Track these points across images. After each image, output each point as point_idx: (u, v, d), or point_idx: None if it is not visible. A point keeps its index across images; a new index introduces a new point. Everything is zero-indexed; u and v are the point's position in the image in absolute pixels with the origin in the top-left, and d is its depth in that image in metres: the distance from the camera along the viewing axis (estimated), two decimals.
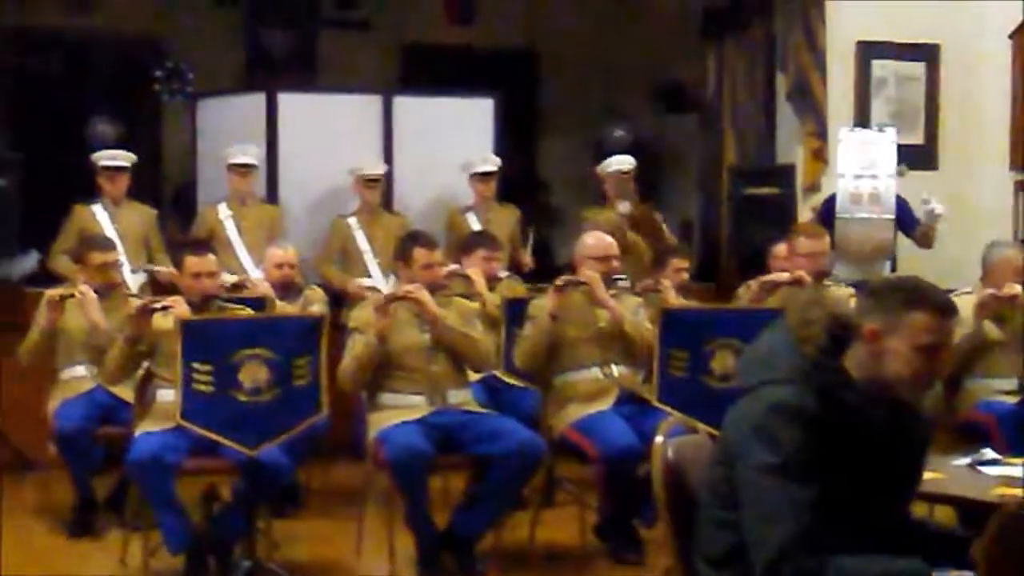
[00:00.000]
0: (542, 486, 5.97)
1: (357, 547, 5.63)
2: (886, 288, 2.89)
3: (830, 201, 8.04)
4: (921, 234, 7.84)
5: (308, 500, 6.48)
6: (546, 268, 8.34)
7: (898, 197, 7.90)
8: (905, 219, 7.91)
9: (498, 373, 6.28)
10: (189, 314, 5.18)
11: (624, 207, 8.30)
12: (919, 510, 3.33)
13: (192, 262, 5.43)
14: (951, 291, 5.91)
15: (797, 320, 2.88)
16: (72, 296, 6.05)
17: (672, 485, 3.01)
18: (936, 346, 2.81)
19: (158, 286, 7.34)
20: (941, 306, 2.82)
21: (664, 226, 8.35)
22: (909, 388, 2.84)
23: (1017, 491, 3.23)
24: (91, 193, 7.74)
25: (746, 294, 6.56)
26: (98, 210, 7.67)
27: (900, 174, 7.92)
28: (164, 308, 5.26)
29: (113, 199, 7.72)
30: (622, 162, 8.47)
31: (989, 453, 4.07)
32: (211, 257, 5.50)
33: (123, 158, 7.75)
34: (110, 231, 7.46)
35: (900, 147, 8.10)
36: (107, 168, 7.70)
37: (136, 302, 5.74)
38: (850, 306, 2.91)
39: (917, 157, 8.54)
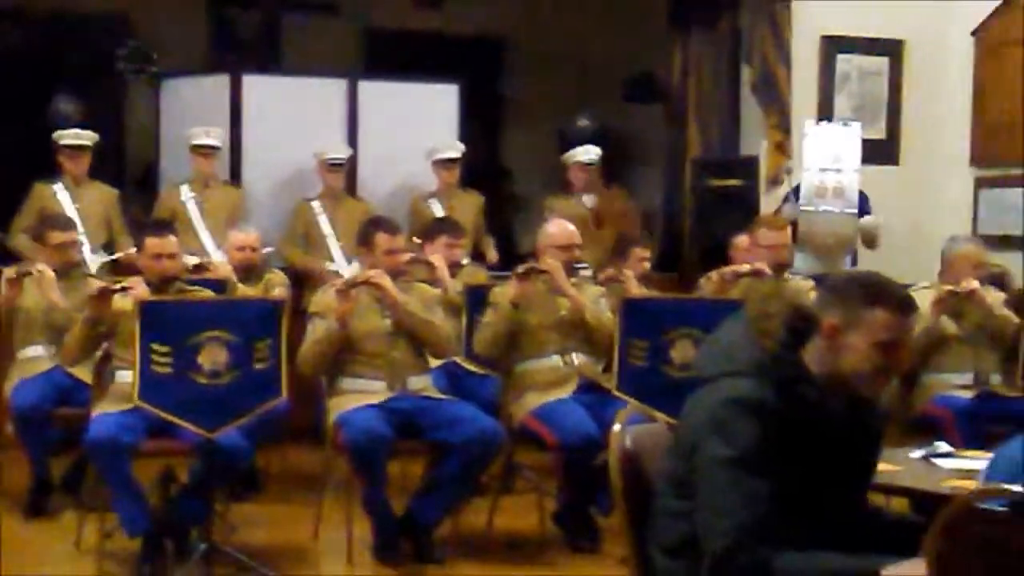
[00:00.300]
0: (501, 473, 5.99)
1: (315, 531, 5.63)
2: (846, 283, 2.90)
3: (795, 191, 8.08)
4: (864, 238, 7.90)
5: (266, 484, 6.47)
6: (508, 256, 8.34)
7: (860, 193, 7.94)
8: (867, 212, 7.96)
9: (459, 360, 6.29)
10: (148, 295, 5.15)
11: (589, 199, 8.33)
12: (875, 501, 3.36)
13: (152, 243, 5.40)
14: (909, 286, 6.00)
15: (756, 312, 2.91)
16: (30, 275, 6.01)
17: (629, 473, 3.02)
18: (895, 343, 2.82)
19: (120, 267, 7.30)
20: (901, 303, 2.83)
21: (632, 213, 8.37)
22: (867, 384, 2.85)
23: (970, 483, 3.25)
24: (52, 171, 7.69)
25: (707, 285, 6.59)
26: (59, 189, 7.63)
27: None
28: (123, 290, 5.23)
29: (74, 178, 7.67)
30: (587, 152, 8.48)
31: (943, 446, 4.10)
32: (172, 238, 5.47)
33: (85, 137, 7.71)
34: (71, 210, 7.42)
35: (863, 142, 8.14)
36: (68, 147, 7.65)
37: (96, 283, 5.71)
38: (810, 299, 2.92)
39: (879, 152, 8.59)
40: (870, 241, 7.90)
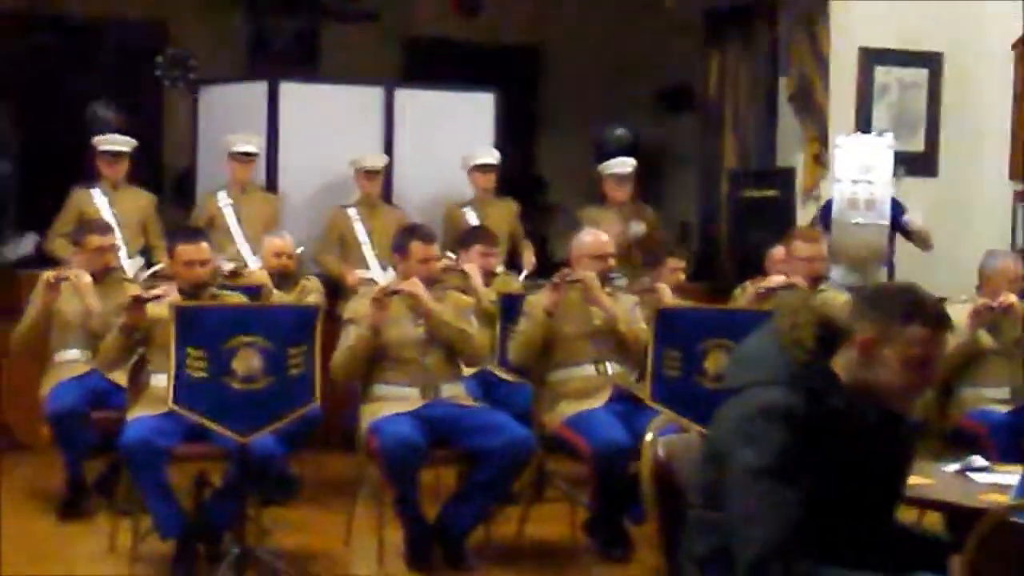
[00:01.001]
0: (533, 482, 5.97)
1: (346, 537, 5.64)
2: (882, 296, 2.88)
3: (827, 206, 8.04)
4: (916, 239, 7.89)
5: (299, 489, 6.48)
6: (543, 265, 8.35)
7: (895, 201, 7.89)
8: (902, 223, 7.92)
9: (492, 368, 6.29)
10: (180, 300, 5.18)
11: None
12: (908, 515, 3.34)
13: (184, 250, 5.44)
14: (946, 299, 5.97)
15: (786, 323, 2.88)
16: (68, 279, 6.05)
17: (661, 483, 3.02)
18: (928, 359, 2.80)
19: (159, 275, 7.34)
20: (937, 320, 2.80)
21: (656, 223, 8.35)
22: (897, 398, 2.84)
23: (1004, 498, 3.23)
24: (90, 177, 7.75)
25: (742, 296, 6.57)
26: (97, 194, 7.68)
27: (896, 175, 7.91)
28: (157, 297, 5.26)
29: (112, 183, 7.72)
30: (623, 164, 8.47)
31: (979, 460, 4.08)
32: (203, 245, 5.50)
33: (123, 143, 7.75)
34: (108, 215, 7.47)
35: (901, 154, 8.10)
36: (107, 152, 7.70)
37: (132, 289, 5.75)
38: (842, 310, 2.90)
39: (918, 164, 8.56)
40: (921, 241, 7.85)
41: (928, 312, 2.80)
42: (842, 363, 2.83)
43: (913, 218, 7.83)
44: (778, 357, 2.84)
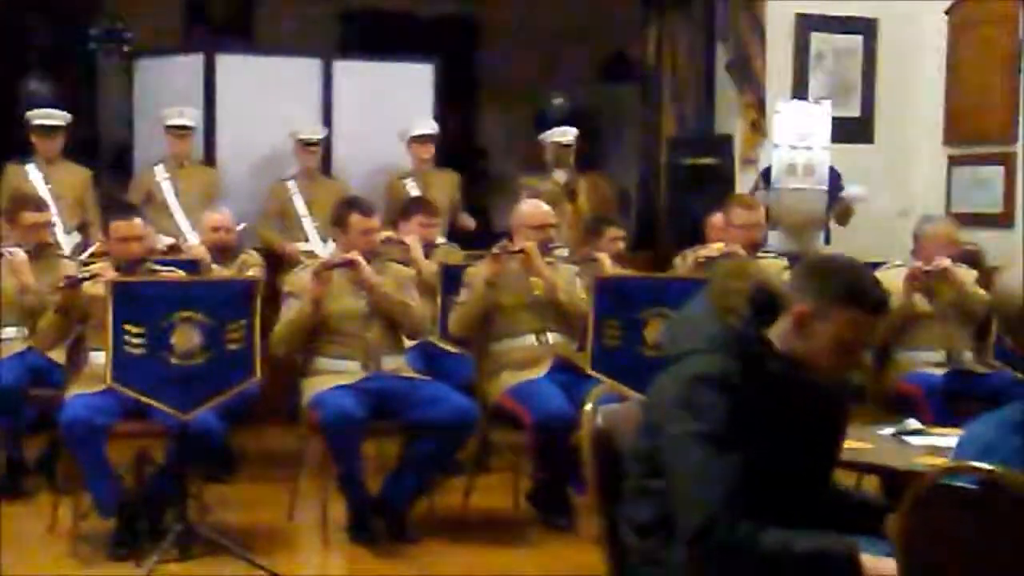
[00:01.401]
0: (476, 452, 5.99)
1: (290, 512, 5.63)
2: (824, 272, 2.86)
3: (766, 172, 8.08)
4: (838, 212, 7.90)
5: (241, 465, 6.46)
6: (484, 236, 8.34)
7: (832, 169, 7.94)
8: (834, 192, 7.97)
9: (433, 339, 6.29)
10: (116, 278, 5.13)
11: (561, 176, 8.32)
12: (846, 479, 3.37)
13: (118, 226, 5.39)
14: (882, 264, 6.04)
15: (719, 289, 2.89)
16: (2, 256, 5.98)
17: (601, 452, 3.03)
18: (860, 342, 2.83)
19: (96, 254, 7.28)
20: (874, 306, 2.81)
21: (612, 197, 8.36)
22: (823, 372, 2.86)
23: (940, 461, 3.27)
24: (25, 152, 7.65)
25: (682, 265, 6.60)
26: (31, 169, 7.59)
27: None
28: (92, 277, 5.21)
29: (47, 158, 7.63)
30: (564, 133, 8.48)
31: (913, 423, 4.13)
32: (137, 221, 5.45)
33: (57, 117, 7.66)
34: (44, 191, 7.38)
35: (838, 120, 8.15)
36: (41, 127, 7.60)
37: (67, 268, 5.70)
38: (780, 277, 2.92)
39: (854, 130, 8.62)
40: (843, 216, 7.90)
41: (867, 296, 2.80)
42: (777, 331, 2.85)
43: (849, 192, 7.85)
44: (713, 324, 2.86)
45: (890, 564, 2.53)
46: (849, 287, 2.80)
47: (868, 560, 2.65)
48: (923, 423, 4.22)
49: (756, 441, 2.74)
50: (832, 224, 7.99)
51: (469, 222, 8.33)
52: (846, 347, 2.81)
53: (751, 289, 2.88)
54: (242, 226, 7.20)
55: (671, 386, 2.81)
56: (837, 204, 7.86)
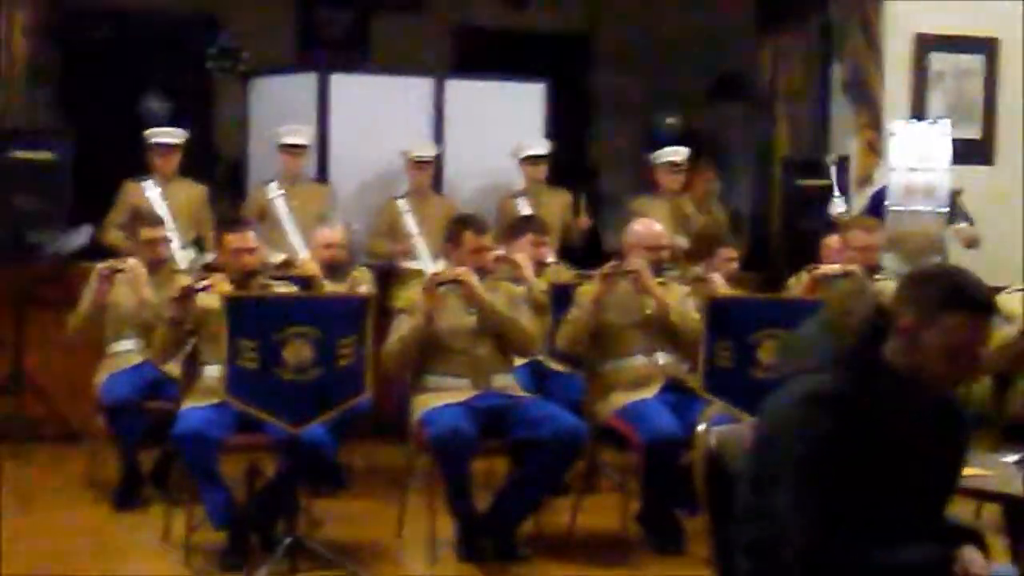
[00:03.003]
0: (584, 472, 5.96)
1: (398, 529, 5.64)
2: (923, 281, 2.81)
3: (877, 194, 7.95)
4: (966, 239, 7.73)
5: (350, 480, 6.49)
6: (594, 255, 8.31)
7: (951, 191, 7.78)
8: (954, 214, 7.81)
9: (543, 358, 6.27)
10: (230, 290, 5.20)
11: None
12: (966, 508, 3.29)
13: (231, 239, 5.47)
14: (1003, 288, 5.89)
15: (837, 310, 2.84)
16: (122, 271, 6.09)
17: (713, 474, 2.99)
18: (970, 346, 2.74)
19: (211, 267, 7.37)
20: (978, 306, 2.73)
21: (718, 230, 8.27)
22: (939, 384, 2.79)
23: None
24: (143, 169, 7.79)
25: (796, 285, 6.51)
26: (149, 186, 7.72)
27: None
28: (205, 288, 5.28)
29: (164, 175, 7.76)
30: (675, 152, 8.42)
31: None
32: (249, 233, 5.53)
33: (175, 135, 7.79)
34: (160, 207, 7.51)
35: (957, 141, 7.99)
36: (159, 145, 7.74)
37: (183, 282, 5.78)
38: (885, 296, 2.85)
39: (973, 152, 8.45)
40: (971, 243, 7.74)
41: (969, 297, 2.73)
42: (891, 350, 2.79)
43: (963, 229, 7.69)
44: (827, 344, 2.80)
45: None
46: (950, 291, 2.73)
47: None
48: None
49: (868, 462, 2.68)
50: (952, 247, 7.83)
51: (584, 221, 8.28)
52: (957, 353, 2.73)
53: (868, 310, 2.82)
54: (355, 228, 7.22)
55: (782, 405, 2.77)
56: (963, 232, 7.71)
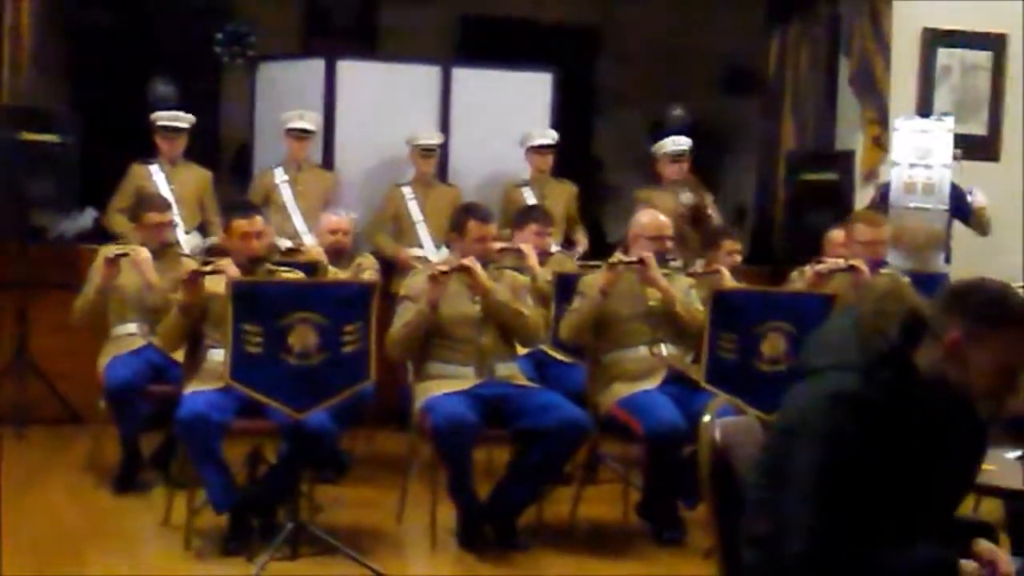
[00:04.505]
0: (586, 462, 5.97)
1: (399, 515, 5.65)
2: (975, 297, 2.77)
3: (884, 189, 7.95)
4: (976, 223, 7.77)
5: (352, 466, 6.50)
6: (598, 245, 8.31)
7: (954, 186, 7.78)
8: (962, 208, 7.82)
9: (546, 348, 6.28)
10: (238, 275, 5.20)
11: (686, 197, 8.20)
12: (966, 503, 3.29)
13: (239, 224, 5.46)
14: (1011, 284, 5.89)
15: (872, 310, 2.81)
16: (127, 255, 6.10)
17: (717, 465, 2.99)
18: (1020, 364, 2.74)
19: (215, 251, 7.37)
20: None
21: (712, 212, 8.26)
22: (986, 400, 2.77)
23: None
24: (149, 152, 7.79)
25: (800, 279, 6.51)
26: (155, 170, 7.72)
27: (955, 159, 7.77)
28: (214, 272, 5.28)
29: (170, 159, 7.76)
30: (677, 143, 8.40)
31: None
32: (258, 218, 5.52)
33: (182, 119, 7.78)
34: (166, 191, 7.50)
35: (963, 137, 7.99)
36: (165, 128, 7.73)
37: (189, 264, 5.77)
38: (928, 302, 2.82)
39: (980, 147, 8.45)
40: (982, 225, 7.74)
41: (1020, 314, 2.72)
42: (924, 356, 2.77)
43: (977, 198, 7.70)
44: (859, 344, 2.78)
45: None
46: (1001, 308, 2.72)
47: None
48: None
49: (887, 465, 2.68)
50: (953, 243, 7.84)
51: (583, 241, 8.27)
52: (1008, 370, 2.72)
53: (904, 313, 2.80)
54: (354, 216, 7.23)
55: (807, 399, 2.76)
56: (973, 217, 7.71)
